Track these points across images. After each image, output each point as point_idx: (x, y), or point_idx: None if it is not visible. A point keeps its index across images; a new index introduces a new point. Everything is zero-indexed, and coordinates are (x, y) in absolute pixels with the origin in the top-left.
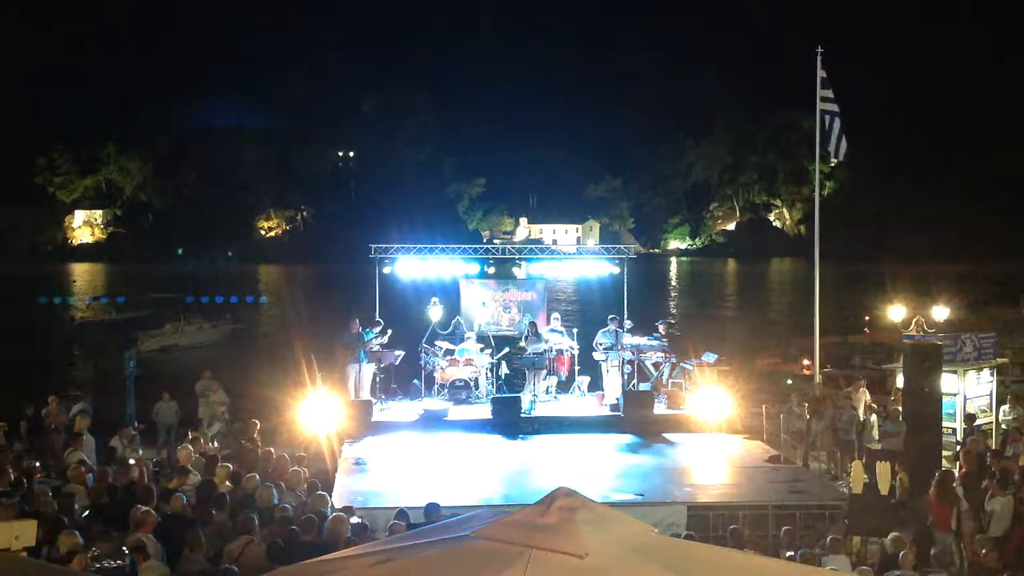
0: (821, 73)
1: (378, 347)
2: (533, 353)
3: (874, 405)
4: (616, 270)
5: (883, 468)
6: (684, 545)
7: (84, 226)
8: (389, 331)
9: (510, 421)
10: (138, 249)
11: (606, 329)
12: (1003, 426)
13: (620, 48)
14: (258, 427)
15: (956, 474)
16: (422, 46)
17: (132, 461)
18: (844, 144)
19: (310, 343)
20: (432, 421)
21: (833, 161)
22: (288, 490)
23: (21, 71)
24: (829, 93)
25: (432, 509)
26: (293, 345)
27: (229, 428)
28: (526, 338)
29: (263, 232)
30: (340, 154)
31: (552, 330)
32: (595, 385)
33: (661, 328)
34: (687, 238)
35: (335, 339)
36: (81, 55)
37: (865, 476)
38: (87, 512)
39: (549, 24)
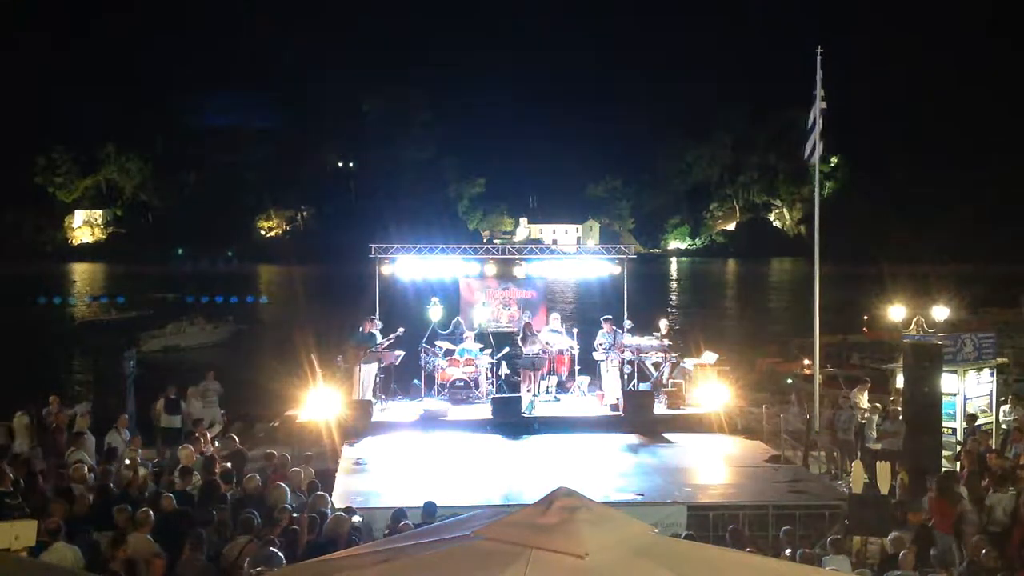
0: (820, 73)
1: (381, 347)
2: (531, 353)
3: (877, 405)
4: (616, 270)
5: (883, 468)
6: (684, 545)
7: (84, 226)
8: (401, 328)
9: (510, 421)
10: (138, 249)
11: (603, 330)
12: (1003, 426)
13: (620, 48)
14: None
15: (959, 475)
16: (422, 46)
17: (128, 461)
18: (819, 149)
19: (311, 343)
20: (432, 421)
21: (833, 160)
22: (289, 490)
23: (21, 71)
24: (822, 94)
25: (430, 509)
26: (294, 345)
27: (228, 428)
28: (523, 339)
29: (263, 232)
30: (340, 154)
31: (552, 330)
32: (595, 385)
33: (661, 328)
34: (687, 238)
35: (344, 338)
36: (81, 55)
37: (865, 476)
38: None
39: (549, 24)
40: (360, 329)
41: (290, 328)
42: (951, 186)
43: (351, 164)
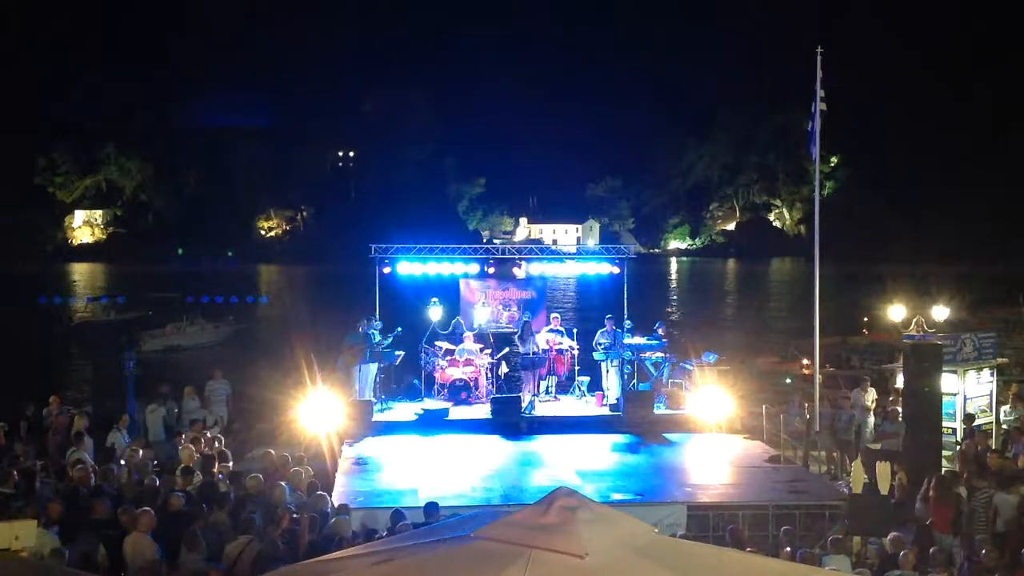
0: (819, 74)
1: (380, 347)
2: (531, 353)
3: (871, 402)
4: (616, 270)
5: (883, 468)
6: (684, 545)
7: (84, 226)
8: (399, 328)
9: (510, 421)
10: (138, 249)
11: (604, 329)
12: (1004, 426)
13: (620, 48)
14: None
15: (959, 475)
16: (422, 46)
17: (123, 462)
18: (818, 148)
19: (310, 343)
20: (432, 421)
21: (833, 160)
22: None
23: (21, 71)
24: (822, 94)
25: (431, 508)
26: (294, 345)
27: (228, 428)
28: (521, 337)
29: (263, 232)
30: (340, 154)
31: (552, 330)
32: (595, 385)
33: (661, 328)
34: (687, 238)
35: (340, 339)
36: (81, 55)
37: (865, 476)
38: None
39: (549, 24)
40: (359, 329)
41: (290, 328)
42: (951, 186)
43: (351, 164)
